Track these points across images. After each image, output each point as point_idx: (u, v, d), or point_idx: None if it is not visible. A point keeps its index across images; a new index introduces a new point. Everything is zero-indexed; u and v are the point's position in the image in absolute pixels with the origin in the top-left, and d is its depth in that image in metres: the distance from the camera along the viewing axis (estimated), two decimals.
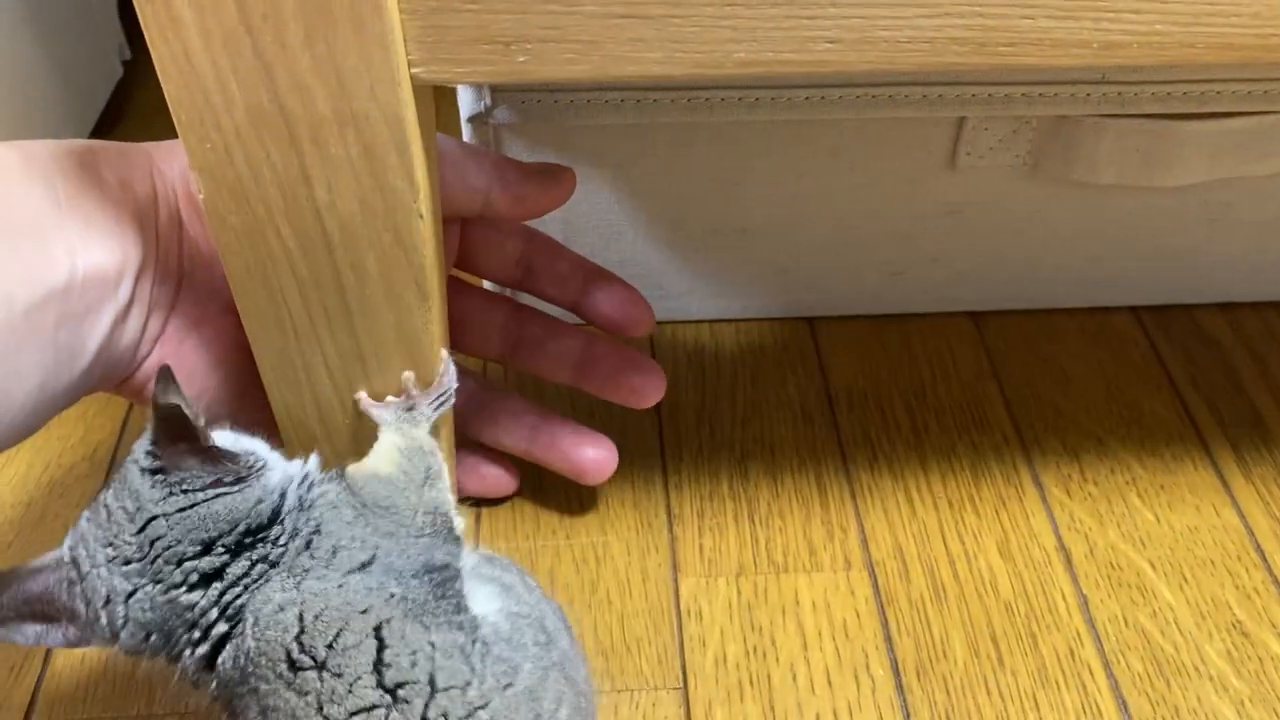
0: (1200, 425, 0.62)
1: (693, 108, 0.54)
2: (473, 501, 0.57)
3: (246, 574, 0.38)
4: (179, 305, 0.43)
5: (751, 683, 0.50)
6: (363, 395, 0.43)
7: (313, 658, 0.37)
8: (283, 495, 0.39)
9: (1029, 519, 0.57)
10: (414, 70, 0.35)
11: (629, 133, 0.57)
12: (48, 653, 0.51)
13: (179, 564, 0.38)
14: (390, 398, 0.43)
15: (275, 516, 0.39)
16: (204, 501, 0.38)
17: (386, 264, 0.39)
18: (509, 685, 0.39)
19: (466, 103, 0.54)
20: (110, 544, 0.38)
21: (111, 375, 0.42)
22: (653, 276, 0.65)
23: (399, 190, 0.37)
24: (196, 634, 0.38)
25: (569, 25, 0.34)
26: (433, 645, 0.38)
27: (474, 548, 0.44)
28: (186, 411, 0.38)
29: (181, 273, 0.43)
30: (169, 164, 0.43)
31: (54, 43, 0.74)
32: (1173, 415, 0.63)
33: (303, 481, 0.40)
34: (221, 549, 0.38)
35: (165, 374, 0.38)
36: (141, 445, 0.39)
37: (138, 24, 0.33)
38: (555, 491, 0.58)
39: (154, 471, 0.38)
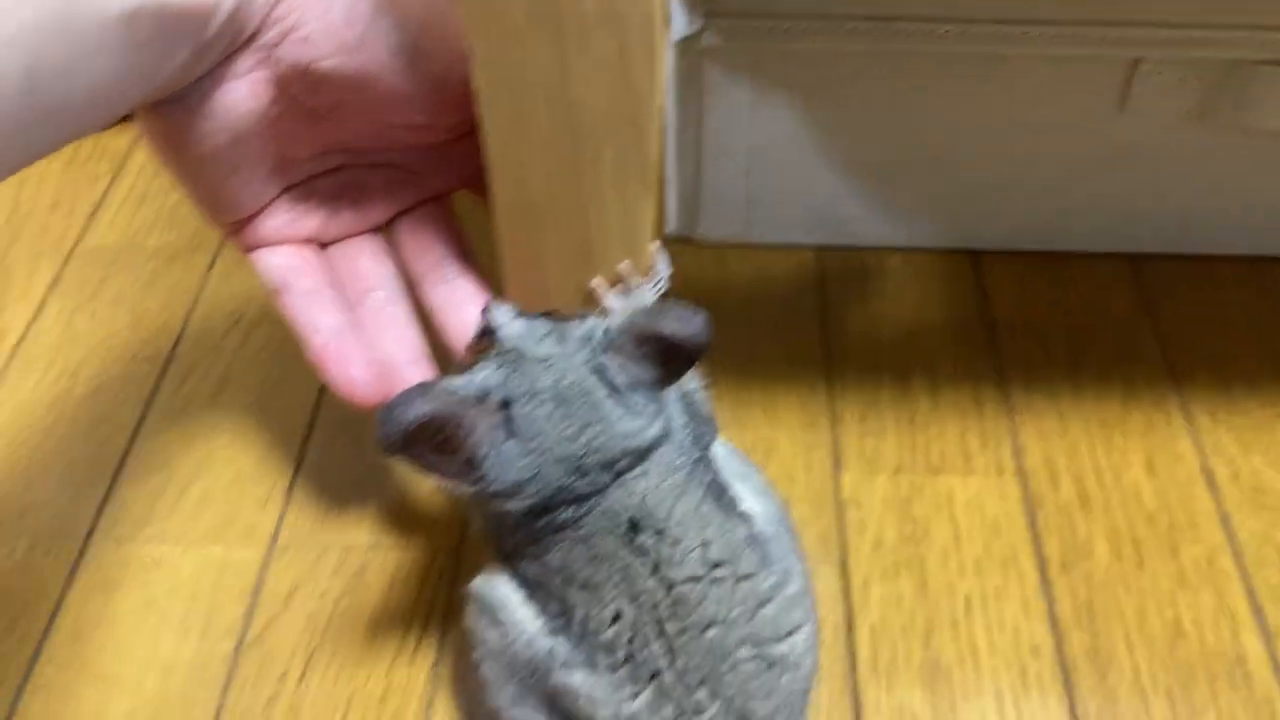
0: None
1: (883, 35, 0.58)
2: None
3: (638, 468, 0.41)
4: (237, 59, 0.41)
5: (906, 564, 0.55)
6: (599, 281, 0.48)
7: (653, 523, 0.40)
8: None
9: (1175, 442, 0.60)
10: None
11: (817, 60, 0.62)
12: (290, 487, 0.59)
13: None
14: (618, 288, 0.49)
15: None
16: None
17: (622, 156, 0.45)
18: (784, 585, 0.42)
19: (677, 27, 0.60)
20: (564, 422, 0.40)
21: (159, 96, 0.40)
22: (826, 202, 0.69)
23: (642, 88, 0.43)
24: (577, 506, 0.40)
25: None
26: (730, 531, 0.41)
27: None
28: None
29: (255, 36, 0.41)
30: None
31: None
32: None
33: None
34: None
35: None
36: (604, 346, 0.42)
37: None
38: (728, 390, 0.64)
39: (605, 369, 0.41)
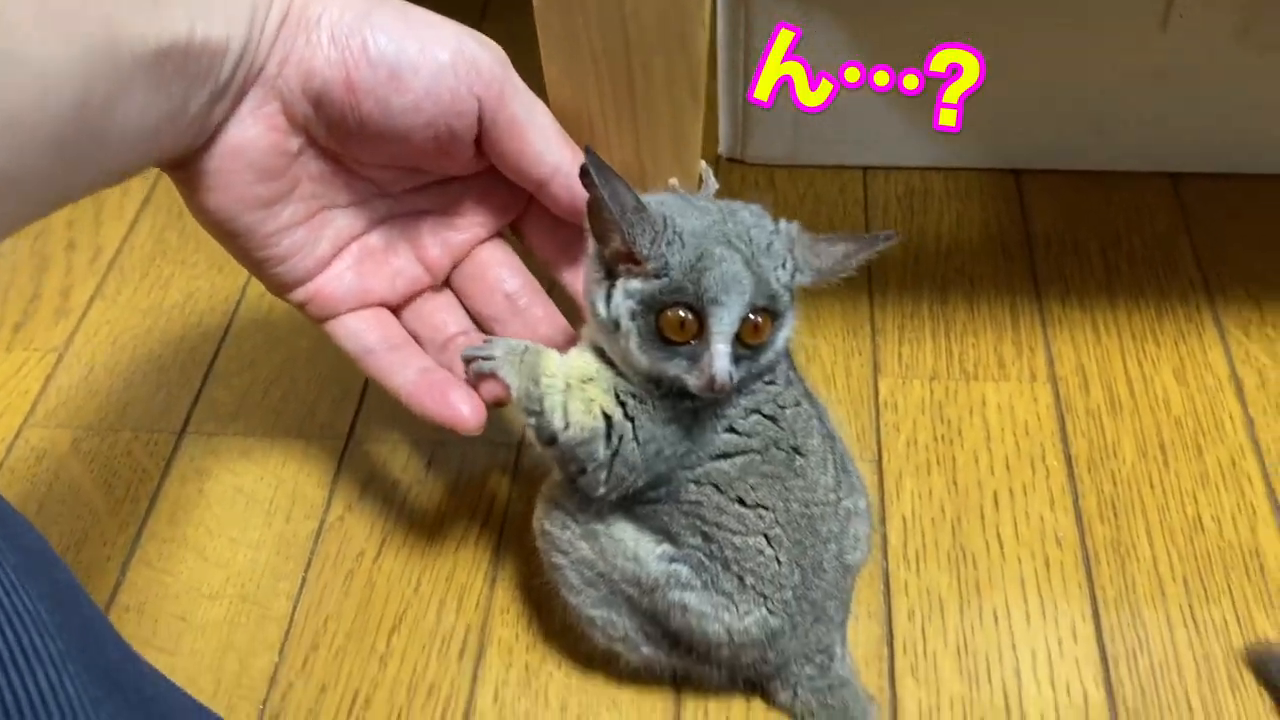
0: None
1: None
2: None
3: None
4: (247, 97, 0.43)
5: (938, 462, 0.59)
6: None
7: (805, 450, 0.44)
8: None
9: (1206, 352, 0.63)
10: None
11: None
12: (364, 386, 0.64)
13: None
14: None
15: None
16: None
17: (670, 67, 0.48)
18: (860, 501, 0.47)
19: None
20: None
21: (185, 146, 0.42)
22: (870, 123, 0.72)
23: (690, 3, 0.46)
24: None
25: None
26: (833, 457, 0.46)
27: None
28: None
29: (261, 71, 0.43)
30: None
31: None
32: None
33: None
34: None
35: None
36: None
37: None
38: None
39: None
